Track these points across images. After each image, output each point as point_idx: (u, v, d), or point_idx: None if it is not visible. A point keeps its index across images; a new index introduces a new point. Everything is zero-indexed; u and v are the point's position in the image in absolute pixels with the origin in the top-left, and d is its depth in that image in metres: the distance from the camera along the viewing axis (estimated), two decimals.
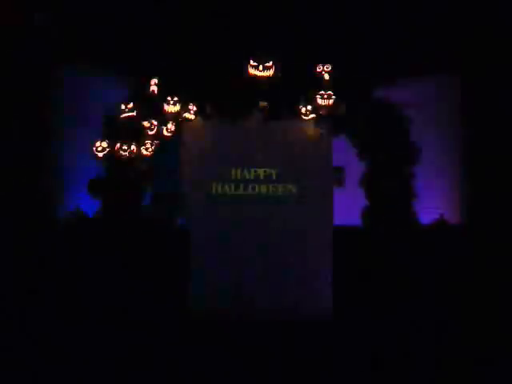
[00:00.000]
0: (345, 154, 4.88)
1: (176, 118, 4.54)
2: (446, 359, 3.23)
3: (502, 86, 4.44)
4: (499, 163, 4.39)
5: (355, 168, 4.82)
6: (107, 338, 3.55)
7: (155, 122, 4.49)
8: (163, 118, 4.52)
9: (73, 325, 3.67)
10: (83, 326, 3.68)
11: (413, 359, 3.25)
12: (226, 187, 4.81)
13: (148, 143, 4.47)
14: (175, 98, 4.47)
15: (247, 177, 4.82)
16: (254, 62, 4.58)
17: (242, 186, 4.80)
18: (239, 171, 4.81)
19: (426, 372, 3.04)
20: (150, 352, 3.35)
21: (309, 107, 4.51)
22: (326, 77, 4.49)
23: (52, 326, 3.60)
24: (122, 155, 4.29)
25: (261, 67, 4.56)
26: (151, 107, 4.48)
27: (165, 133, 4.55)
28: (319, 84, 4.49)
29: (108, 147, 4.28)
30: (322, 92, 4.44)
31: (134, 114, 4.37)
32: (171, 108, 4.46)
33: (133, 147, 4.35)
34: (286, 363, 3.28)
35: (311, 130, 4.71)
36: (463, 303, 4.01)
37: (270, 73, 4.56)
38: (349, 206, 4.82)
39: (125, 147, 4.30)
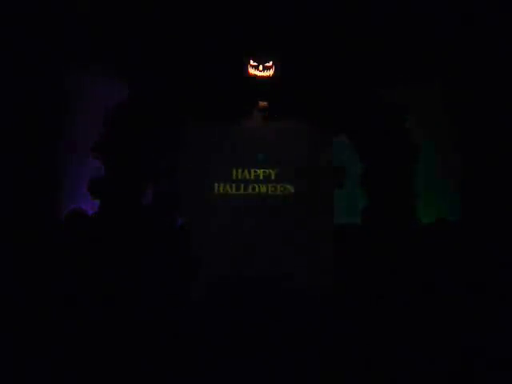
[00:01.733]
0: (345, 154, 4.90)
1: None
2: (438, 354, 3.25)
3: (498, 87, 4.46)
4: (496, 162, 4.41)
5: (355, 168, 4.85)
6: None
7: None
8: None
9: (74, 322, 3.66)
10: (85, 322, 3.67)
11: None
12: (228, 187, 4.84)
13: None
14: None
15: (247, 177, 4.84)
16: (254, 62, 4.60)
17: (242, 186, 4.83)
18: (240, 171, 4.84)
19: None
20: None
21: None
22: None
23: (53, 326, 3.59)
24: None
25: (261, 67, 4.58)
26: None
27: None
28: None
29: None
30: None
31: None
32: None
33: None
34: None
35: (311, 130, 4.73)
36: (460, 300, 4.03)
37: (270, 73, 4.58)
38: (349, 205, 4.84)
39: None
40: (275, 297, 4.47)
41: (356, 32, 4.34)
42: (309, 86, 4.60)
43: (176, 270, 4.41)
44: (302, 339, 3.50)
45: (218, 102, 4.64)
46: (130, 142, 4.54)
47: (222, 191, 4.81)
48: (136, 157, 4.54)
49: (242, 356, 3.21)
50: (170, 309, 4.18)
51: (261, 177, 4.85)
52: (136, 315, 3.93)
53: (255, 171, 4.83)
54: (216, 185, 4.81)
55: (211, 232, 4.69)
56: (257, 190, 4.83)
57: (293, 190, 4.85)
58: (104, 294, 3.96)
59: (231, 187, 4.82)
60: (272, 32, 4.52)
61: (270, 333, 3.71)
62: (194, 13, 4.57)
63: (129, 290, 4.05)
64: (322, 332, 3.60)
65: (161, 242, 4.50)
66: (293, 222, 4.77)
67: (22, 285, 3.79)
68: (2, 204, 3.96)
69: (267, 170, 4.85)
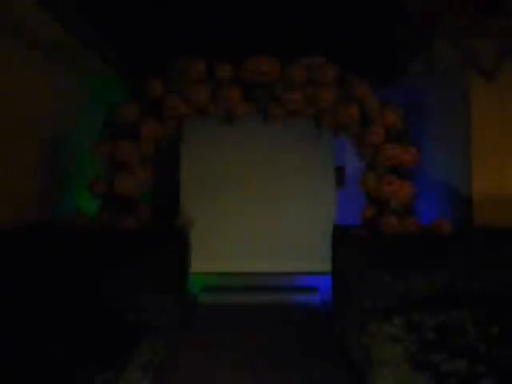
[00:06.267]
0: (345, 154, 4.90)
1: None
2: None
3: None
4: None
5: (355, 168, 4.84)
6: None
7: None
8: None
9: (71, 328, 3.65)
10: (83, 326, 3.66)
11: None
12: (230, 186, 4.88)
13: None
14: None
15: (248, 177, 4.86)
16: (253, 61, 4.58)
17: (243, 185, 4.86)
18: (241, 171, 4.86)
19: None
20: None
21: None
22: None
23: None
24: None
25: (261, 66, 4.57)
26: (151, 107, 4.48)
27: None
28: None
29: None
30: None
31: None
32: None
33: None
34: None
35: (311, 130, 4.73)
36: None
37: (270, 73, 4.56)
38: (349, 205, 4.84)
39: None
40: None
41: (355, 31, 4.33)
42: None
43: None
44: None
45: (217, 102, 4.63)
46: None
47: (223, 189, 4.86)
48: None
49: None
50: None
51: (261, 176, 4.86)
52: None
53: (255, 171, 4.86)
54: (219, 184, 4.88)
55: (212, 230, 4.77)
56: (257, 189, 4.86)
57: (292, 190, 4.87)
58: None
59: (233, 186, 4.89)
60: (272, 32, 4.52)
61: None
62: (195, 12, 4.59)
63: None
64: None
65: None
66: (293, 221, 4.79)
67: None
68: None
69: (267, 169, 4.87)
